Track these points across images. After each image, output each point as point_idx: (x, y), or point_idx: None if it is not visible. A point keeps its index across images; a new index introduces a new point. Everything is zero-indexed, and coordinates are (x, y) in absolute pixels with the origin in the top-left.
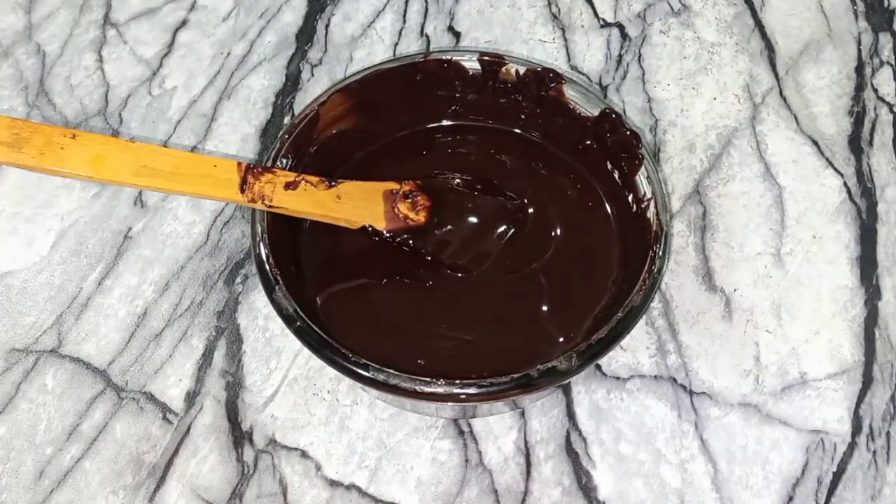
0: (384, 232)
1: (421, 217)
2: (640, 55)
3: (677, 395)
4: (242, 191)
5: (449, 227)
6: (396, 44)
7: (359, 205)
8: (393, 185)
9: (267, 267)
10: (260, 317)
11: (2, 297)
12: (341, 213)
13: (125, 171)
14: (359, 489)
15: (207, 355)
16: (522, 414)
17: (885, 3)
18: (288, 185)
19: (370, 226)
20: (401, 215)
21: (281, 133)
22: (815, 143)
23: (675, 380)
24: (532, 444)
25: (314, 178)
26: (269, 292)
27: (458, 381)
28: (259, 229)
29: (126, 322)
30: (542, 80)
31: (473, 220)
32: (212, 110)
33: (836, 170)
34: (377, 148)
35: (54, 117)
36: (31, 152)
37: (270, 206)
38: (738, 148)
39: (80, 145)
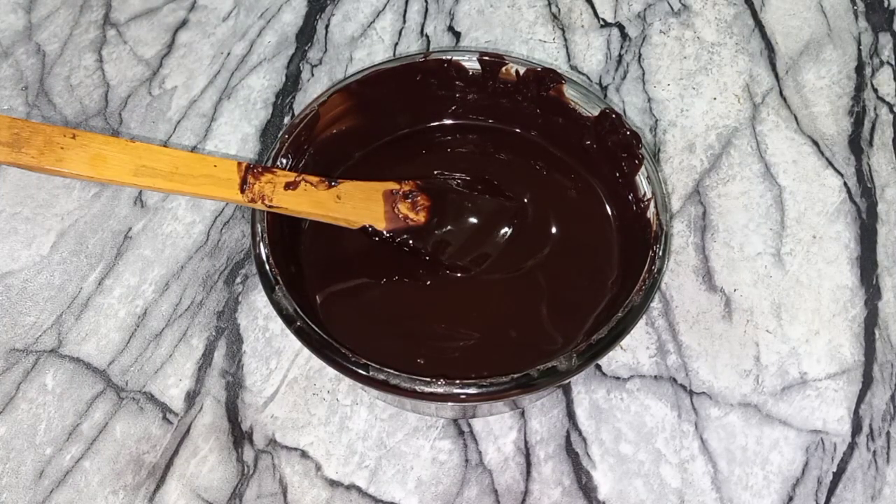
0: (384, 232)
1: (421, 217)
2: (640, 55)
3: (677, 395)
4: (242, 191)
5: (448, 227)
6: (396, 44)
7: (359, 205)
8: (393, 186)
9: (267, 267)
10: (260, 317)
11: (2, 297)
12: (341, 213)
13: (125, 171)
14: (359, 489)
15: (207, 355)
16: (522, 414)
17: (885, 3)
18: (288, 185)
19: (370, 226)
20: (401, 215)
21: (281, 133)
22: (815, 143)
23: (675, 380)
24: (532, 444)
25: (314, 179)
26: (269, 292)
27: (458, 381)
28: (259, 229)
29: (126, 322)
30: (542, 80)
31: (473, 220)
32: (212, 110)
33: (836, 170)
34: (377, 148)
35: (54, 117)
36: (31, 152)
37: (270, 207)
38: (738, 148)
39: (80, 145)
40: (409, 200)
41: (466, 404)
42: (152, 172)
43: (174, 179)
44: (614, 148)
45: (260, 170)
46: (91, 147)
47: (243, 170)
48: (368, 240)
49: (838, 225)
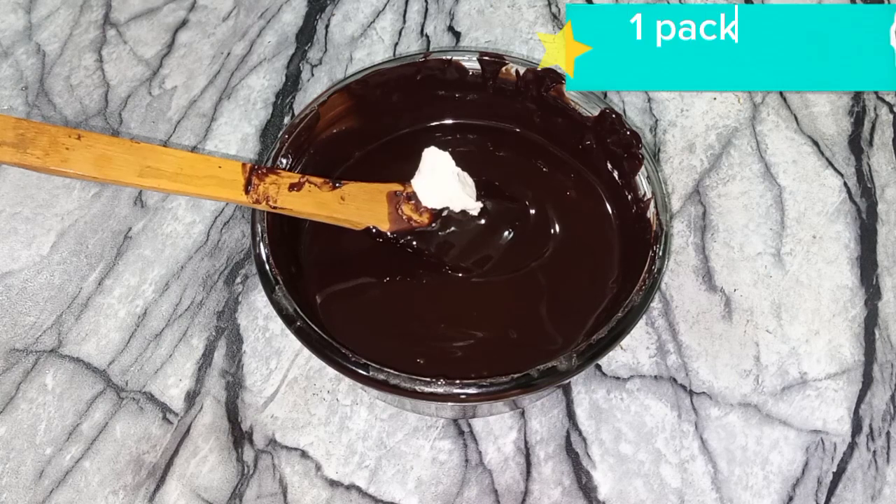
0: (388, 233)
1: (424, 219)
2: None
3: (677, 395)
4: (247, 192)
5: (452, 228)
6: (396, 44)
7: (363, 206)
8: (397, 187)
9: (267, 267)
10: (260, 317)
11: (2, 297)
12: (345, 214)
13: (130, 172)
14: (359, 489)
15: (207, 355)
16: (522, 414)
17: (885, 3)
18: (292, 187)
19: (374, 227)
20: (404, 217)
21: (281, 133)
22: (815, 143)
23: (675, 380)
24: (532, 444)
25: (318, 180)
26: (269, 292)
27: (458, 381)
28: (259, 229)
29: (126, 322)
30: (542, 80)
31: (476, 222)
32: (212, 110)
33: (836, 170)
34: (377, 148)
35: (54, 117)
36: (36, 153)
37: (274, 208)
38: (738, 148)
39: (85, 146)
40: (413, 202)
41: (466, 404)
42: (157, 173)
43: (178, 180)
44: (614, 148)
45: (264, 171)
46: (96, 148)
47: (248, 171)
48: (368, 240)
49: (838, 225)
